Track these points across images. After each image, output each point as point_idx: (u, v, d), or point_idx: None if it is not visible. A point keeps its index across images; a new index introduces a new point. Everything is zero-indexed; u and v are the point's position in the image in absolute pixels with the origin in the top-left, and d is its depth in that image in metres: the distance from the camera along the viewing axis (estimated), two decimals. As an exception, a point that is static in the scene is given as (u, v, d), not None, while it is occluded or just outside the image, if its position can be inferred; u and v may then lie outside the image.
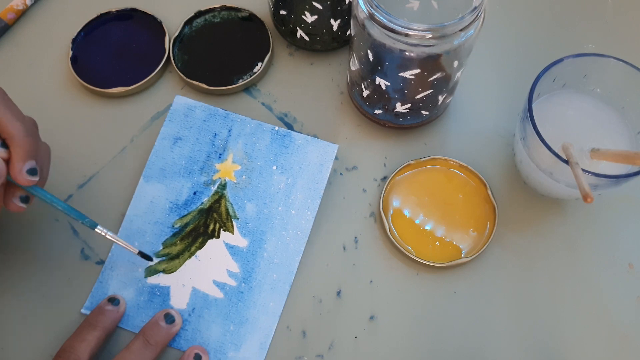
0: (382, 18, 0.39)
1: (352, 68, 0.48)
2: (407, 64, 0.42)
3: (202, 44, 0.54)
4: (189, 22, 0.55)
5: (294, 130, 0.51)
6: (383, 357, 0.44)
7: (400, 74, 0.43)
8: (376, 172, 0.50)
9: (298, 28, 0.52)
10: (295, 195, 0.48)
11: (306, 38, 0.52)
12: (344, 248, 0.47)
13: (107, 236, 0.43)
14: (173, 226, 0.47)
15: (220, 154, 0.49)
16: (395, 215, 0.48)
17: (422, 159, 0.49)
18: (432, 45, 0.40)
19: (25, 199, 0.39)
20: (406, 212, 0.48)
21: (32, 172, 0.38)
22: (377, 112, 0.49)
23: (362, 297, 0.46)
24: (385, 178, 0.50)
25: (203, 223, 0.47)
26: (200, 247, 0.47)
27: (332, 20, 0.50)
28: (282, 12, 0.51)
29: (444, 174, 0.49)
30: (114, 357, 0.41)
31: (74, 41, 0.54)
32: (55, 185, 0.48)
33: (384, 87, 0.45)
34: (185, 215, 0.48)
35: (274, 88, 0.54)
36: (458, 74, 0.46)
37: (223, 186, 0.48)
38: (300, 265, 0.46)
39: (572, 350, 0.45)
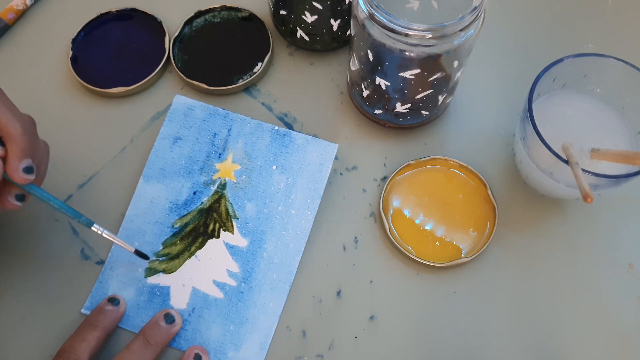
0: (382, 18, 0.39)
1: (352, 68, 0.48)
2: (407, 64, 0.42)
3: (202, 44, 0.54)
4: (189, 22, 0.55)
5: (294, 130, 0.51)
6: (383, 357, 0.44)
7: (400, 74, 0.43)
8: (376, 172, 0.50)
9: (298, 28, 0.52)
10: (295, 195, 0.48)
11: (306, 38, 0.52)
12: (344, 248, 0.47)
13: (104, 235, 0.42)
14: (173, 226, 0.47)
15: (220, 154, 0.49)
16: (395, 215, 0.48)
17: (422, 159, 0.49)
18: (432, 45, 0.40)
19: (21, 197, 0.39)
20: (406, 212, 0.48)
21: (28, 170, 0.38)
22: (377, 112, 0.49)
23: (362, 297, 0.46)
24: (385, 178, 0.50)
25: (203, 223, 0.47)
26: (200, 247, 0.47)
27: (332, 20, 0.50)
28: (282, 12, 0.51)
29: (444, 174, 0.49)
30: (114, 357, 0.41)
31: (74, 41, 0.54)
32: (55, 185, 0.48)
33: (384, 87, 0.45)
34: (185, 215, 0.48)
35: (274, 88, 0.54)
36: (458, 74, 0.46)
37: (223, 186, 0.48)
38: (300, 265, 0.46)
39: (572, 350, 0.45)
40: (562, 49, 0.47)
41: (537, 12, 0.58)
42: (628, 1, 0.58)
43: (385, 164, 0.50)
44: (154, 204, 0.48)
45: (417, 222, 0.48)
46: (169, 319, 0.44)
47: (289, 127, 0.52)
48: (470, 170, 0.49)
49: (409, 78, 0.43)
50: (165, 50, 0.54)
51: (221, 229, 0.47)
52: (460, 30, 0.39)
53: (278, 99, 0.53)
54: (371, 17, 0.40)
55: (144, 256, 0.45)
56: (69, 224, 0.48)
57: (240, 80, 0.52)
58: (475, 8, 0.39)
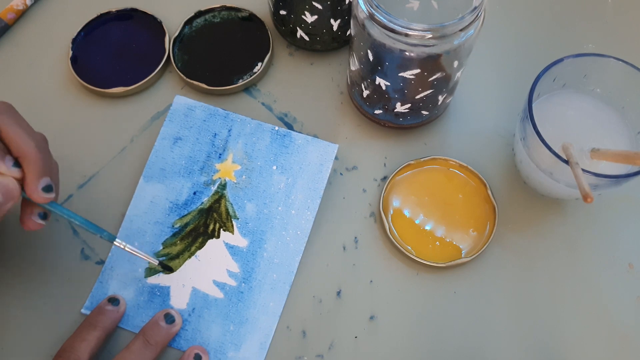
0: (382, 18, 0.39)
1: (352, 68, 0.48)
2: (407, 64, 0.42)
3: (202, 44, 0.54)
4: (189, 22, 0.55)
5: (294, 130, 0.51)
6: (383, 357, 0.44)
7: (400, 74, 0.43)
8: (376, 172, 0.50)
9: (298, 28, 0.52)
10: (295, 195, 0.48)
11: (306, 38, 0.52)
12: (344, 248, 0.47)
13: (126, 249, 0.42)
14: (173, 226, 0.47)
15: (220, 154, 0.49)
16: (395, 215, 0.48)
17: (422, 159, 0.49)
18: (432, 45, 0.40)
19: (44, 216, 0.40)
20: (406, 212, 0.48)
21: (47, 189, 0.38)
22: (377, 112, 0.49)
23: (362, 297, 0.46)
24: (385, 178, 0.50)
25: (203, 223, 0.47)
26: (200, 247, 0.47)
27: (332, 20, 0.50)
28: (282, 12, 0.51)
29: (444, 174, 0.49)
30: (114, 357, 0.41)
31: (74, 41, 0.54)
32: (55, 185, 0.48)
33: (384, 87, 0.45)
34: (185, 215, 0.48)
35: (274, 88, 0.54)
36: (458, 74, 0.46)
37: (223, 186, 0.48)
38: (300, 265, 0.46)
39: (572, 350, 0.45)
40: (562, 49, 0.47)
41: (537, 12, 0.58)
42: (628, 1, 0.58)
43: (385, 164, 0.50)
44: (154, 204, 0.48)
45: (417, 222, 0.48)
46: (169, 319, 0.44)
47: (289, 127, 0.52)
48: (470, 170, 0.49)
49: (409, 78, 0.43)
50: (165, 50, 0.54)
51: (221, 229, 0.47)
52: (460, 30, 0.39)
53: (278, 99, 0.53)
54: (371, 17, 0.40)
55: (169, 268, 0.45)
56: (69, 224, 0.48)
57: (240, 80, 0.52)
58: (475, 8, 0.39)
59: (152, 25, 0.55)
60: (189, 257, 0.46)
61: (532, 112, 0.42)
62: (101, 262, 0.47)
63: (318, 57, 0.55)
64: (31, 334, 0.44)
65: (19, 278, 0.46)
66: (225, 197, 0.48)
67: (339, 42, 0.54)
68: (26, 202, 0.39)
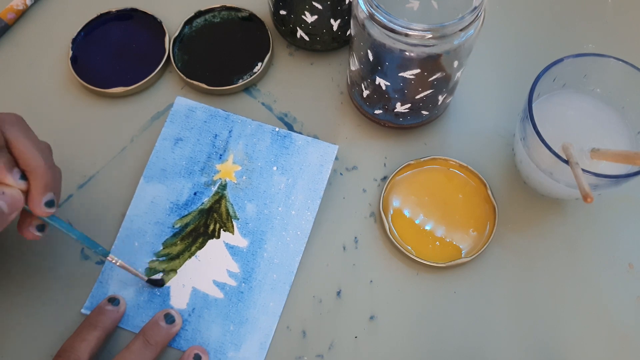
0: (382, 18, 0.39)
1: (352, 68, 0.48)
2: (407, 64, 0.42)
3: (202, 44, 0.54)
4: (189, 22, 0.55)
5: (294, 131, 0.51)
6: (383, 357, 0.44)
7: (400, 74, 0.43)
8: (376, 172, 0.50)
9: (298, 28, 0.52)
10: (296, 195, 0.48)
11: (306, 38, 0.52)
12: (344, 248, 0.47)
13: (117, 264, 0.43)
14: (173, 226, 0.47)
15: (220, 155, 0.49)
16: (395, 215, 0.48)
17: (422, 159, 0.49)
18: (432, 45, 0.40)
19: (41, 228, 0.40)
20: (406, 212, 0.48)
21: (50, 204, 0.39)
22: (377, 112, 0.49)
23: (362, 297, 0.46)
24: (385, 178, 0.50)
25: (203, 223, 0.47)
26: (200, 247, 0.47)
27: (332, 20, 0.50)
28: (282, 12, 0.51)
29: (444, 174, 0.49)
30: (114, 357, 0.41)
31: (74, 41, 0.54)
32: (55, 186, 0.48)
33: (384, 87, 0.45)
34: (186, 215, 0.48)
35: (274, 88, 0.54)
36: (458, 74, 0.46)
37: (223, 187, 0.48)
38: (300, 265, 0.46)
39: (572, 350, 0.45)
40: (562, 49, 0.47)
41: (537, 12, 0.58)
42: (628, 1, 0.58)
43: (385, 164, 0.50)
44: (155, 204, 0.48)
45: (417, 222, 0.48)
46: (169, 319, 0.44)
47: (289, 127, 0.52)
48: (470, 170, 0.49)
49: (409, 78, 0.43)
50: (165, 50, 0.54)
51: (221, 230, 0.47)
52: (460, 30, 0.39)
53: (278, 99, 0.53)
54: (371, 17, 0.40)
55: (158, 284, 0.45)
56: (69, 224, 0.48)
57: (240, 80, 0.52)
58: (475, 8, 0.39)
59: (152, 25, 0.55)
60: (189, 257, 0.46)
61: (532, 112, 0.42)
62: (101, 262, 0.47)
63: (318, 57, 0.55)
64: (31, 333, 0.44)
65: (19, 278, 0.46)
66: (225, 197, 0.48)
67: (339, 42, 0.54)
68: (25, 213, 0.40)
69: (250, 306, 0.45)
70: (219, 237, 0.47)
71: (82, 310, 0.45)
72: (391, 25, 0.39)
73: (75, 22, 0.55)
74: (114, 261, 0.43)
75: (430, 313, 0.45)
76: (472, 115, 0.53)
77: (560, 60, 0.44)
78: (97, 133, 0.52)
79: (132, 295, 0.45)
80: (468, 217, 0.48)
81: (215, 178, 0.49)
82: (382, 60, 0.43)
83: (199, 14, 0.55)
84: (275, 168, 0.48)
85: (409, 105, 0.47)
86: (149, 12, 0.55)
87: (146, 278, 0.44)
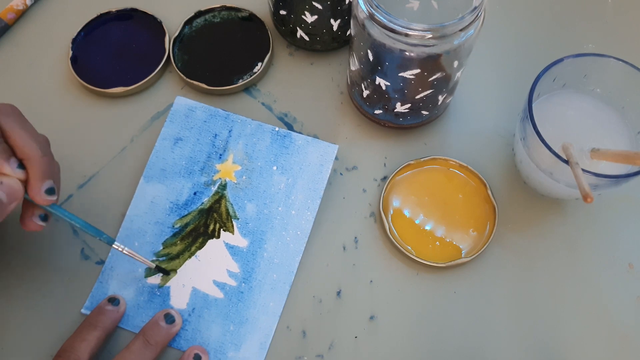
0: (382, 18, 0.39)
1: (352, 68, 0.48)
2: (407, 64, 0.42)
3: (202, 44, 0.54)
4: (189, 22, 0.55)
5: (294, 130, 0.51)
6: (383, 357, 0.44)
7: (400, 74, 0.43)
8: (376, 172, 0.50)
9: (298, 28, 0.52)
10: (296, 195, 0.48)
11: (306, 38, 0.52)
12: (344, 248, 0.47)
13: (124, 251, 0.43)
14: (173, 226, 0.47)
15: (220, 155, 0.49)
16: (395, 215, 0.48)
17: (422, 159, 0.49)
18: (432, 45, 0.40)
19: (44, 217, 0.40)
20: (406, 212, 0.48)
21: (50, 191, 0.39)
22: (377, 112, 0.49)
23: (362, 297, 0.46)
24: (385, 178, 0.50)
25: (203, 223, 0.47)
26: (200, 247, 0.47)
27: (332, 20, 0.50)
28: (282, 12, 0.51)
29: (444, 174, 0.49)
30: (114, 357, 0.41)
31: (74, 41, 0.54)
32: (55, 185, 0.48)
33: (384, 87, 0.45)
34: (186, 215, 0.48)
35: (274, 88, 0.54)
36: (458, 74, 0.46)
37: (223, 186, 0.48)
38: (300, 265, 0.46)
39: (572, 350, 0.45)
40: (562, 49, 0.47)
41: (537, 12, 0.58)
42: (628, 1, 0.58)
43: (385, 164, 0.50)
44: (155, 204, 0.48)
45: (417, 222, 0.48)
46: (169, 319, 0.44)
47: (289, 127, 0.52)
48: (470, 170, 0.49)
49: (409, 78, 0.43)
50: (165, 50, 0.54)
51: (221, 229, 0.47)
52: (460, 30, 0.39)
53: (278, 99, 0.53)
54: (371, 17, 0.40)
55: (165, 272, 0.45)
56: (69, 224, 0.48)
57: (240, 80, 0.53)
58: (475, 8, 0.39)
59: (152, 25, 0.55)
60: (189, 257, 0.46)
61: (532, 112, 0.42)
62: (101, 262, 0.47)
63: (318, 57, 0.55)
64: (31, 333, 0.44)
65: (19, 278, 0.46)
66: (225, 197, 0.48)
67: (339, 42, 0.54)
68: (27, 203, 0.40)
69: (250, 306, 0.45)
70: (219, 237, 0.47)
71: (82, 310, 0.45)
72: (391, 25, 0.39)
73: (75, 22, 0.55)
74: (120, 249, 0.43)
75: (430, 313, 0.45)
76: (472, 115, 0.53)
77: (560, 60, 0.44)
78: (97, 133, 0.52)
79: (132, 295, 0.45)
80: (468, 217, 0.48)
81: (215, 178, 0.49)
82: (382, 60, 0.43)
83: (199, 14, 0.55)
84: (275, 168, 0.48)
85: (409, 105, 0.47)
86: (149, 12, 0.55)
87: (154, 265, 0.44)
